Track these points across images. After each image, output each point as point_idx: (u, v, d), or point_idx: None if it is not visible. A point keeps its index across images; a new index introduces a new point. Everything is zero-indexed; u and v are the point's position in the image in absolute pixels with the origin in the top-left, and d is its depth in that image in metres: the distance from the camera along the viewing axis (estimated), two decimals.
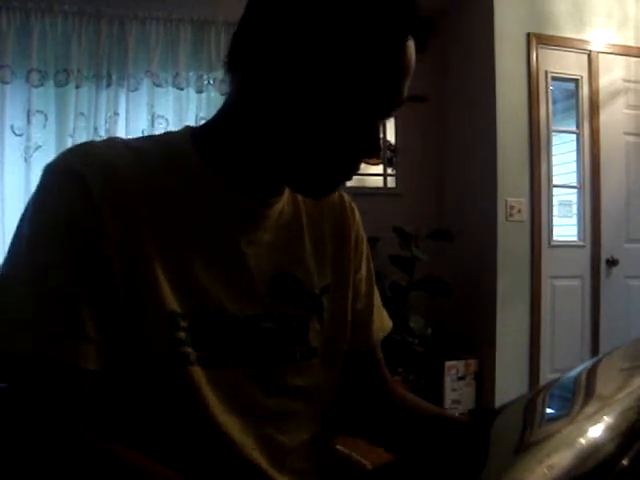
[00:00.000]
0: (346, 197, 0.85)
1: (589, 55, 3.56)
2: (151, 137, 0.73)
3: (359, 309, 0.83)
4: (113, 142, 0.67)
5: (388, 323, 0.89)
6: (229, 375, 0.66)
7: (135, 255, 0.61)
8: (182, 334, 0.63)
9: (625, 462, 0.36)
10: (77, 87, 3.34)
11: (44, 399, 0.58)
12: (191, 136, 0.70)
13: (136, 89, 3.43)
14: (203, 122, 0.74)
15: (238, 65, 0.65)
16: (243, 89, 0.66)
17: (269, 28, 0.61)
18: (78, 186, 0.60)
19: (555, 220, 3.58)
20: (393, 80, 0.62)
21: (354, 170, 0.67)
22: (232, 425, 0.66)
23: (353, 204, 0.86)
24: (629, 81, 3.65)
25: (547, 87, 3.49)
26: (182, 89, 3.49)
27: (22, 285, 0.59)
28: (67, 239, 0.59)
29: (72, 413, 0.58)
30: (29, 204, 0.62)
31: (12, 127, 3.30)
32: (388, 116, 0.66)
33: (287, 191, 0.76)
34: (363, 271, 0.85)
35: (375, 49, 0.59)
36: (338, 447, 0.87)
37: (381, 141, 0.68)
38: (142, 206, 0.63)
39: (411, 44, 0.62)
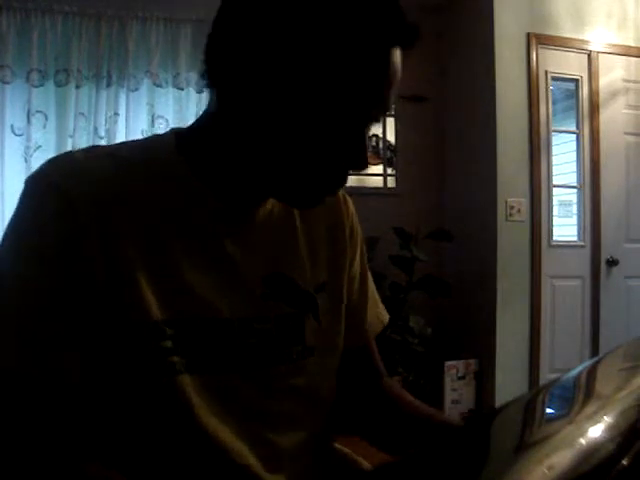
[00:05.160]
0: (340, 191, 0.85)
1: (589, 55, 3.56)
2: (136, 142, 0.72)
3: (353, 304, 0.82)
4: (95, 152, 0.66)
5: (384, 317, 0.88)
6: (223, 380, 0.66)
7: (119, 267, 0.61)
8: (168, 343, 0.62)
9: (625, 462, 0.36)
10: (77, 87, 3.34)
11: (23, 414, 0.57)
12: (176, 140, 0.69)
13: (136, 89, 3.43)
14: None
15: (216, 71, 0.62)
16: (224, 96, 0.64)
17: (247, 32, 0.59)
18: (59, 200, 0.59)
19: (555, 220, 3.58)
20: (378, 89, 0.60)
21: (341, 182, 0.65)
22: (224, 431, 0.65)
23: (347, 197, 0.84)
24: (629, 81, 3.65)
25: (547, 87, 3.49)
26: (182, 89, 3.49)
27: (2, 299, 0.59)
28: (48, 254, 0.59)
29: (54, 429, 0.58)
30: (12, 218, 0.61)
31: (12, 127, 3.31)
32: (374, 124, 0.64)
33: None
34: (357, 265, 0.84)
35: (360, 57, 0.58)
36: (336, 446, 0.86)
37: (368, 152, 0.65)
38: (125, 217, 0.62)
39: (397, 53, 0.61)
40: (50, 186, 0.60)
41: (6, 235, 0.61)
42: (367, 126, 0.63)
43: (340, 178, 0.65)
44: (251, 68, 0.59)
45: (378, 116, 0.63)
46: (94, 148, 0.67)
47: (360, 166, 0.63)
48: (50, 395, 0.58)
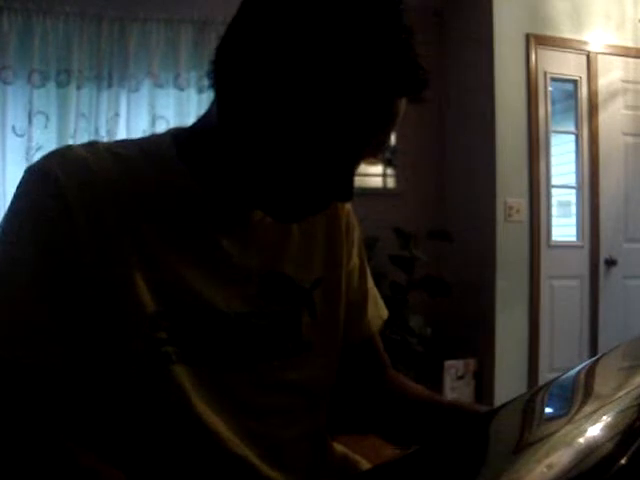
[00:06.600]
0: None
1: (588, 56, 3.57)
2: (135, 141, 0.72)
3: (352, 299, 0.83)
4: (94, 146, 0.67)
5: (383, 312, 0.89)
6: (219, 373, 0.67)
7: (111, 258, 0.62)
8: (163, 334, 0.63)
9: (623, 461, 0.36)
10: (78, 88, 3.34)
11: (5, 399, 0.58)
12: (174, 140, 0.70)
13: (137, 90, 3.43)
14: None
15: (222, 81, 0.63)
16: (225, 105, 0.64)
17: (260, 51, 0.59)
18: (52, 189, 0.60)
19: (554, 220, 3.58)
20: (375, 133, 0.61)
21: (323, 208, 0.67)
22: (220, 423, 0.66)
23: None
24: (628, 82, 3.65)
25: (546, 88, 3.49)
26: (183, 90, 3.49)
27: None
28: (37, 240, 0.60)
29: (35, 413, 0.58)
30: (9, 207, 0.62)
31: (13, 128, 3.31)
32: (365, 161, 0.66)
33: None
34: (355, 260, 0.84)
35: (364, 102, 0.58)
36: (335, 445, 0.86)
37: (354, 189, 0.66)
38: (119, 210, 0.63)
39: (402, 101, 0.61)
40: (47, 176, 0.61)
41: (3, 223, 0.62)
42: (358, 163, 0.64)
43: (322, 204, 0.66)
44: (257, 86, 0.60)
45: (371, 156, 0.65)
46: (94, 143, 0.68)
47: (344, 199, 0.65)
48: (42, 382, 0.58)
